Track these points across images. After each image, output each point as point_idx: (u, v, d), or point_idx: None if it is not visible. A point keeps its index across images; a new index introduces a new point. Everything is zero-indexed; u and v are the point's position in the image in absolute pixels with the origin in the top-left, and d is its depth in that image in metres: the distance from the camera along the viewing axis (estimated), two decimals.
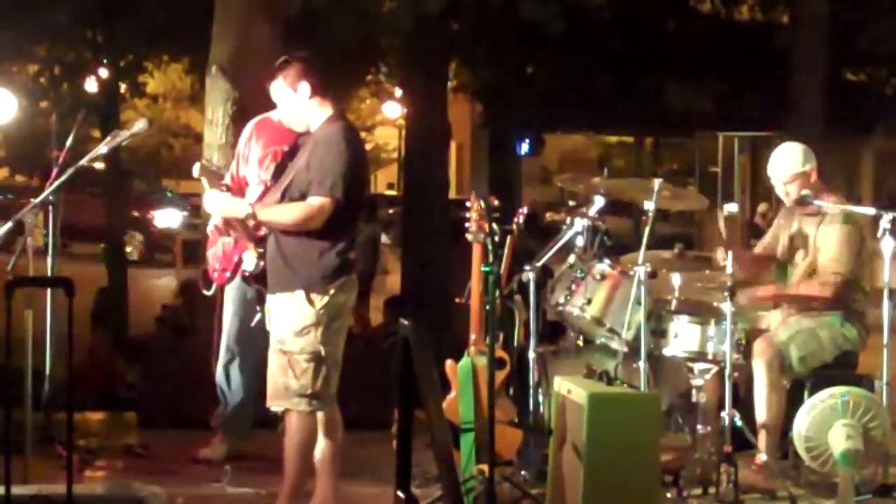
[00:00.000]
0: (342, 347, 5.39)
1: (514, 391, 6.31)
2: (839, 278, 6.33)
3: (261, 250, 5.44)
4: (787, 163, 6.53)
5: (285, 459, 5.38)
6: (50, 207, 6.23)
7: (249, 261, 5.54)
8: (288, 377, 5.27)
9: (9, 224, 6.08)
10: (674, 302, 6.29)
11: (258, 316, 5.66)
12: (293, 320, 5.28)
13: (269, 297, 5.42)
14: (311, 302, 5.25)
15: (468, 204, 5.90)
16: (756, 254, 6.84)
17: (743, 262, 6.55)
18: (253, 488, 6.06)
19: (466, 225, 5.93)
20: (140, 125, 6.40)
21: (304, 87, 5.39)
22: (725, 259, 6.04)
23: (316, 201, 5.23)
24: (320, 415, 5.36)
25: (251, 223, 5.43)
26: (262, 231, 5.47)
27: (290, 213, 5.29)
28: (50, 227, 6.30)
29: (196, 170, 5.51)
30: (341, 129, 5.36)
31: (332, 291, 5.27)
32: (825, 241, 6.41)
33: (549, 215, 23.40)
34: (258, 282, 5.52)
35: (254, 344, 6.46)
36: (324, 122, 5.40)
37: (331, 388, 5.35)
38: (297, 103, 5.44)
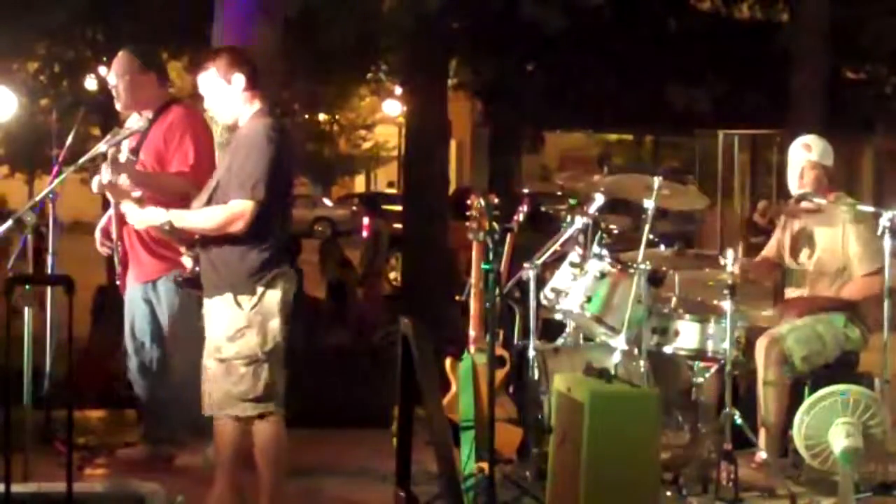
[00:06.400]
0: (282, 345, 5.23)
1: (515, 389, 6.32)
2: (880, 276, 6.36)
3: (192, 253, 5.29)
4: (814, 150, 6.56)
5: (259, 469, 5.29)
6: (50, 205, 6.24)
7: (186, 263, 5.37)
8: (228, 383, 5.17)
9: (8, 222, 6.09)
10: (674, 300, 6.29)
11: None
12: (224, 325, 5.17)
13: (206, 302, 5.30)
14: (238, 304, 5.14)
15: (469, 202, 5.90)
16: (764, 259, 6.82)
17: (752, 267, 6.58)
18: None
19: (467, 224, 5.93)
20: (140, 123, 6.41)
21: (238, 77, 5.25)
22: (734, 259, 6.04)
23: (238, 205, 5.09)
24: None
25: (167, 228, 5.25)
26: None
27: (209, 219, 5.17)
28: (50, 225, 6.30)
29: (95, 185, 5.34)
30: (264, 128, 5.18)
31: (259, 290, 5.14)
32: (854, 243, 6.42)
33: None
34: (194, 286, 5.37)
35: (143, 348, 6.51)
36: (250, 118, 5.26)
37: (276, 388, 5.22)
38: (229, 95, 5.28)
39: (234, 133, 5.33)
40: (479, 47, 18.59)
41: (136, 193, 5.30)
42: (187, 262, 5.35)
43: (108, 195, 5.28)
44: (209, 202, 5.25)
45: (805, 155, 6.58)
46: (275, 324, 5.19)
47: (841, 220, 6.48)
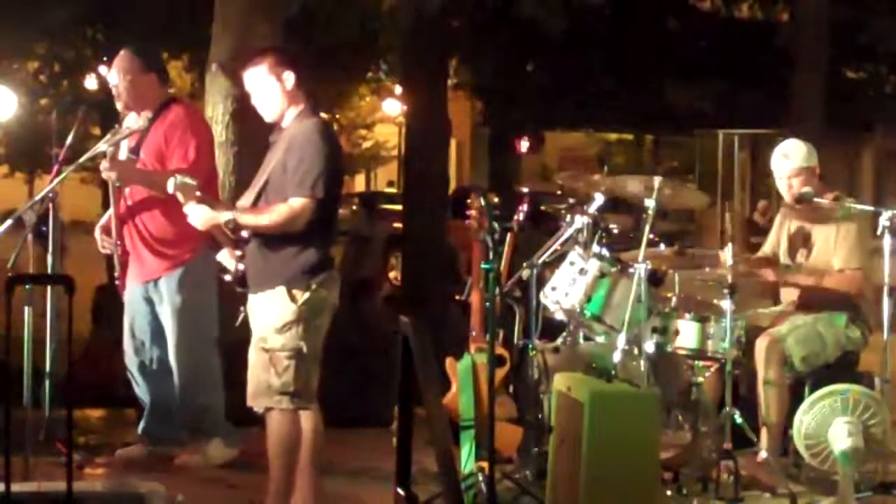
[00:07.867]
0: (321, 345, 5.31)
1: (515, 388, 6.31)
2: (860, 274, 6.35)
3: (238, 253, 5.32)
4: (793, 157, 6.54)
5: (269, 459, 5.31)
6: (50, 204, 6.24)
7: (227, 263, 5.39)
8: (270, 375, 5.21)
9: (9, 221, 6.09)
10: (674, 299, 6.29)
11: (241, 317, 5.50)
12: (274, 317, 5.22)
13: (251, 298, 5.34)
14: (292, 298, 5.19)
15: (469, 201, 5.90)
16: (761, 256, 6.82)
17: (750, 265, 6.58)
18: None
19: (467, 223, 5.93)
20: (140, 122, 6.41)
21: (290, 76, 5.30)
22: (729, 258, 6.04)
23: (298, 203, 5.15)
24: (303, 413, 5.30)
25: (231, 227, 5.28)
26: (243, 233, 5.33)
27: (272, 217, 5.21)
28: (50, 224, 6.30)
29: (170, 185, 5.40)
30: (317, 126, 5.27)
31: (313, 287, 5.21)
32: (840, 239, 6.42)
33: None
34: (240, 284, 5.39)
35: (143, 347, 6.53)
36: (295, 117, 5.31)
37: (311, 385, 5.29)
38: (278, 93, 5.32)
39: (281, 132, 5.34)
40: (479, 47, 18.61)
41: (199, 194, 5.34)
42: (229, 261, 5.36)
43: (178, 196, 5.34)
44: (257, 200, 5.29)
45: (786, 164, 6.57)
46: (319, 322, 5.26)
47: (835, 218, 6.48)
